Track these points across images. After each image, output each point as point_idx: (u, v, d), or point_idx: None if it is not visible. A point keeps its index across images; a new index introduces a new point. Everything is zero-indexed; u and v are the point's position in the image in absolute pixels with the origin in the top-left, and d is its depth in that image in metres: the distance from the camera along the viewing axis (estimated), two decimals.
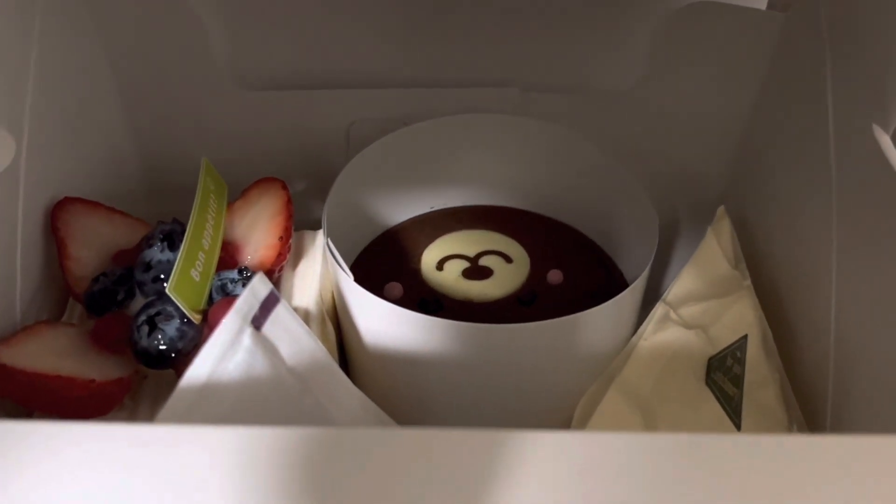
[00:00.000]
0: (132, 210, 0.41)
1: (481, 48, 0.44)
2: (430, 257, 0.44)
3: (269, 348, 0.31)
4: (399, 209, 0.46)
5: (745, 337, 0.37)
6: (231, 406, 0.30)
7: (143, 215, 0.41)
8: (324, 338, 0.38)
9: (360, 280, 0.37)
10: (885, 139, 0.33)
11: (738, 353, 0.36)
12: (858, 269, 0.35)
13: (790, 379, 0.39)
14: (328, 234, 0.38)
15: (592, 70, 0.45)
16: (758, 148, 0.44)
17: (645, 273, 0.37)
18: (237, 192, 0.41)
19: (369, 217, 0.45)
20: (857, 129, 0.34)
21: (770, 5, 0.43)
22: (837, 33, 0.37)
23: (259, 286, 0.31)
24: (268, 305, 0.31)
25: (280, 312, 0.31)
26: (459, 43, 0.44)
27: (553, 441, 0.20)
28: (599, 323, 0.36)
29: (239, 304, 0.30)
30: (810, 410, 0.37)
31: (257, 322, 0.30)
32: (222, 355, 0.29)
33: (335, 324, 0.41)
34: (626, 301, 0.36)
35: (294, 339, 0.32)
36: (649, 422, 0.37)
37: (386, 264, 0.44)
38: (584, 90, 0.45)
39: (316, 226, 0.43)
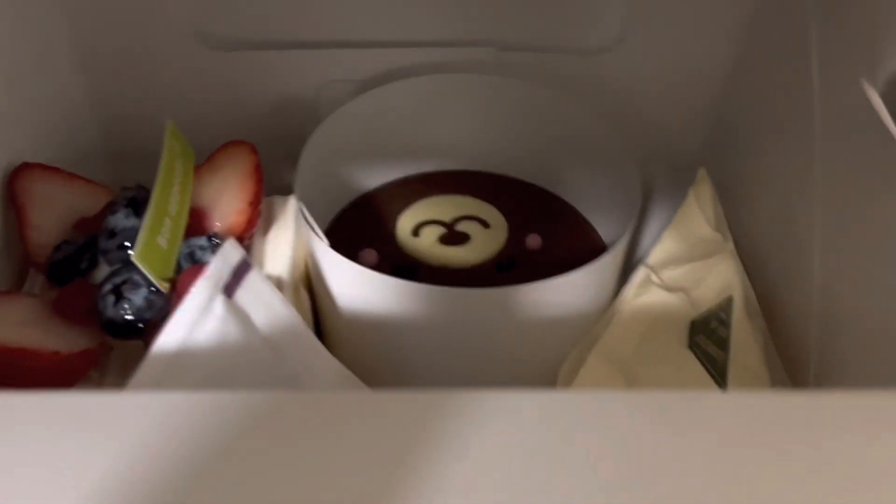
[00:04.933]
0: (93, 176, 0.39)
1: (456, 6, 0.42)
2: (405, 223, 0.43)
3: (241, 316, 0.30)
4: (373, 174, 0.45)
5: (731, 298, 0.36)
6: (203, 375, 0.29)
7: (105, 181, 0.39)
8: (297, 305, 0.36)
9: (334, 246, 0.35)
10: (872, 93, 0.32)
11: (723, 315, 0.36)
12: (842, 227, 0.34)
13: (773, 339, 0.38)
14: (301, 199, 0.37)
15: (570, 28, 0.43)
16: (738, 107, 0.43)
17: (625, 237, 0.36)
18: (203, 158, 0.39)
19: (342, 182, 0.44)
20: (844, 83, 0.33)
21: None
22: None
23: (230, 252, 0.29)
24: (240, 272, 0.30)
25: (252, 279, 0.30)
26: (434, 1, 0.42)
27: (525, 400, 0.20)
28: (579, 287, 0.35)
29: (210, 270, 0.29)
30: (793, 371, 0.37)
31: (229, 289, 0.29)
32: (193, 323, 0.28)
33: (309, 291, 0.39)
34: (606, 265, 0.35)
35: (267, 306, 0.31)
36: (632, 386, 0.36)
37: (360, 230, 0.42)
38: (561, 49, 0.44)
39: (286, 191, 0.42)
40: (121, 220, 0.34)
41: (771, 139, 0.40)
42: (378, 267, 0.40)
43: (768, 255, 0.40)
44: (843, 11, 0.34)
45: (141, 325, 0.33)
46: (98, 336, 0.33)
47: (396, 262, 0.41)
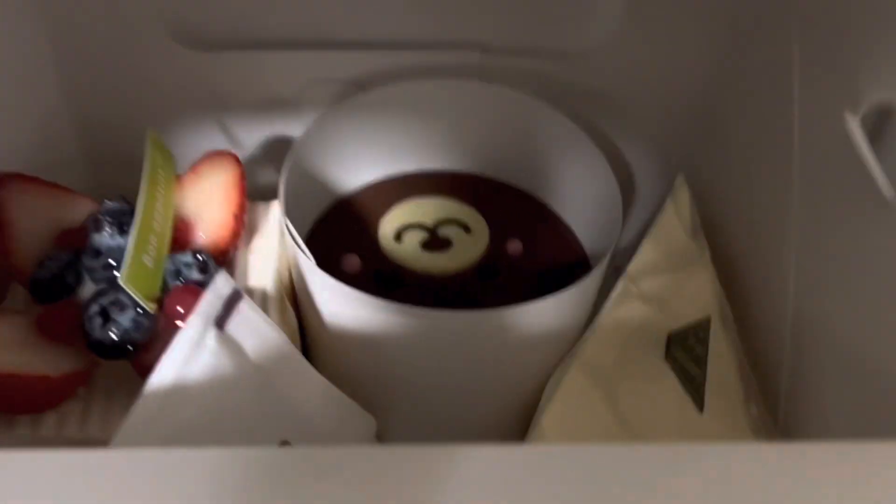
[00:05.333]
0: (72, 182, 0.39)
1: (439, 8, 0.42)
2: (387, 227, 0.43)
3: (233, 347, 0.30)
4: (353, 175, 0.45)
5: (709, 318, 0.37)
6: (197, 409, 0.29)
7: (84, 187, 0.39)
8: (284, 322, 0.37)
9: (316, 252, 0.36)
10: (853, 123, 0.33)
11: (701, 334, 0.37)
12: (817, 240, 0.35)
13: (746, 347, 0.39)
14: (286, 214, 0.37)
15: (553, 31, 0.43)
16: (719, 115, 0.44)
17: (607, 257, 0.37)
18: (183, 161, 0.39)
19: (323, 185, 0.44)
20: (824, 109, 0.34)
21: None
22: (808, 9, 0.36)
23: (222, 285, 0.30)
24: (231, 303, 0.30)
25: (243, 309, 0.30)
26: (418, 2, 0.42)
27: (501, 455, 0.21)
28: (562, 306, 0.36)
29: (202, 306, 0.29)
30: (766, 383, 0.38)
31: (220, 321, 0.30)
32: (186, 359, 0.28)
33: (293, 301, 0.40)
34: (588, 284, 0.36)
35: (257, 333, 0.31)
36: (611, 398, 0.37)
37: (342, 235, 0.43)
38: (544, 52, 0.43)
39: (266, 194, 0.42)
40: (106, 239, 0.34)
41: (750, 150, 0.41)
42: (361, 273, 0.41)
43: (744, 265, 0.41)
44: (827, 37, 0.35)
45: (129, 346, 0.33)
46: (85, 356, 0.33)
47: (379, 268, 0.41)
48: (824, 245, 0.35)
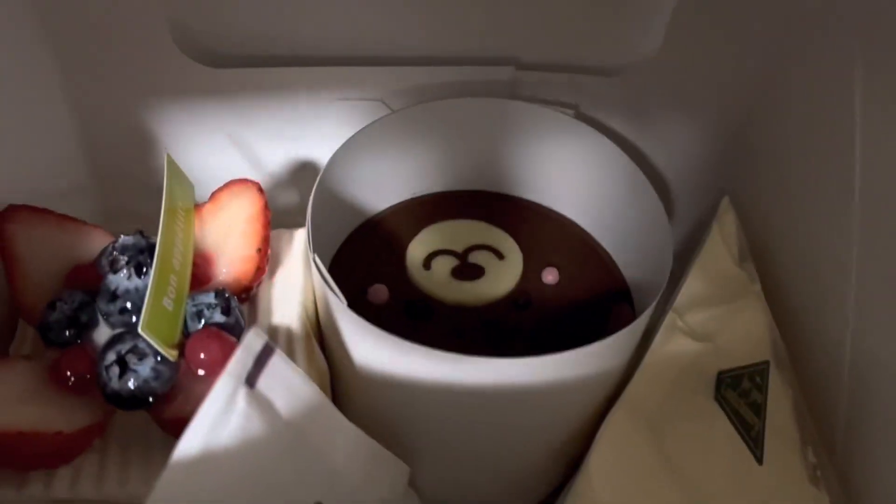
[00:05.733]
0: (83, 210, 0.36)
1: (474, 23, 0.40)
2: (415, 253, 0.40)
3: (264, 405, 0.28)
4: (379, 197, 0.42)
5: (767, 363, 0.35)
6: (227, 475, 0.27)
7: (96, 214, 0.37)
8: (311, 364, 0.34)
9: (342, 280, 0.33)
10: None
11: (758, 379, 0.35)
12: (881, 268, 0.33)
13: (800, 386, 0.37)
14: (313, 240, 0.34)
15: (591, 48, 0.41)
16: (764, 135, 0.41)
17: (657, 297, 0.34)
18: (201, 186, 0.36)
19: (348, 207, 0.41)
20: (891, 127, 0.32)
21: None
22: (869, 23, 0.34)
23: (253, 341, 0.27)
24: (262, 359, 0.28)
25: (275, 364, 0.28)
26: (449, 16, 0.39)
27: None
28: (606, 351, 0.33)
29: (231, 365, 0.27)
30: (822, 427, 0.36)
31: (251, 379, 0.27)
32: (215, 423, 0.26)
33: (318, 336, 0.37)
34: (635, 328, 0.34)
35: (289, 388, 0.29)
36: (658, 441, 0.35)
37: (369, 262, 0.40)
38: (581, 69, 0.41)
39: (287, 217, 0.39)
40: (122, 280, 0.32)
41: (803, 170, 0.39)
42: (389, 304, 0.39)
43: (797, 296, 0.38)
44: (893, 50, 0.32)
45: (149, 397, 0.30)
46: (101, 406, 0.31)
47: (408, 299, 0.39)
48: (889, 274, 0.32)
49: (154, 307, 0.30)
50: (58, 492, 0.30)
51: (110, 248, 0.33)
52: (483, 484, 0.39)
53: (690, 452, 0.34)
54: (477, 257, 0.40)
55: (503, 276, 0.40)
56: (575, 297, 0.39)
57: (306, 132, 0.42)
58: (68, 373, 0.31)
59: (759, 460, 0.33)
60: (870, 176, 0.34)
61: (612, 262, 0.41)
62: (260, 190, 0.35)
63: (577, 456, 0.36)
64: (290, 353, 0.34)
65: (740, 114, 0.42)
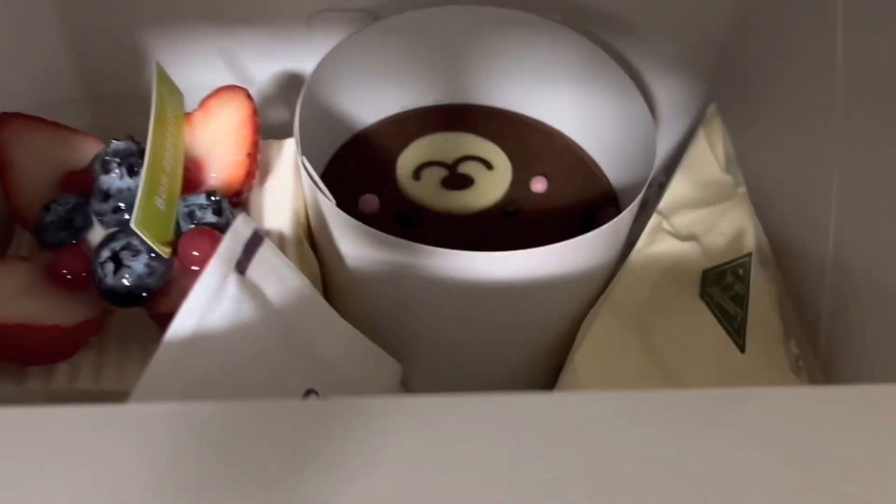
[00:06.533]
0: (74, 123, 0.37)
1: None
2: (405, 165, 0.41)
3: (254, 292, 0.28)
4: (368, 110, 0.43)
5: (750, 255, 0.36)
6: (218, 358, 0.27)
7: (88, 127, 0.37)
8: (303, 265, 0.35)
9: (333, 191, 0.34)
10: None
11: (741, 272, 0.35)
12: (863, 170, 0.33)
13: (785, 286, 0.38)
14: (303, 153, 0.35)
15: None
16: (750, 39, 0.42)
17: (639, 196, 0.35)
18: (191, 97, 0.37)
19: (338, 120, 0.41)
20: (871, 27, 0.32)
21: None
22: None
23: (242, 228, 0.28)
24: (251, 246, 0.28)
25: (264, 252, 0.29)
26: None
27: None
28: (591, 247, 0.34)
29: (221, 249, 0.27)
30: (805, 321, 0.37)
31: (241, 266, 0.28)
32: (206, 307, 0.27)
33: (310, 242, 0.38)
34: (619, 224, 0.34)
35: (279, 277, 0.30)
36: (644, 336, 0.36)
37: (359, 173, 0.41)
38: None
39: (278, 131, 0.40)
40: (115, 180, 0.32)
41: (786, 74, 0.39)
42: (380, 213, 0.39)
43: (781, 198, 0.39)
44: None
45: (144, 294, 0.31)
46: (97, 303, 0.32)
47: (398, 209, 0.39)
48: (870, 174, 0.33)
49: (146, 205, 0.30)
50: (56, 384, 0.30)
51: (103, 153, 0.34)
52: (473, 383, 0.40)
53: (675, 347, 0.35)
54: (466, 168, 0.41)
55: (492, 185, 0.40)
56: (563, 204, 0.40)
57: (294, 46, 0.42)
58: (64, 270, 0.32)
59: (742, 349, 0.34)
60: (851, 81, 0.34)
61: (600, 169, 0.42)
62: (248, 96, 0.36)
63: (566, 354, 0.37)
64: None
65: (727, 24, 0.42)
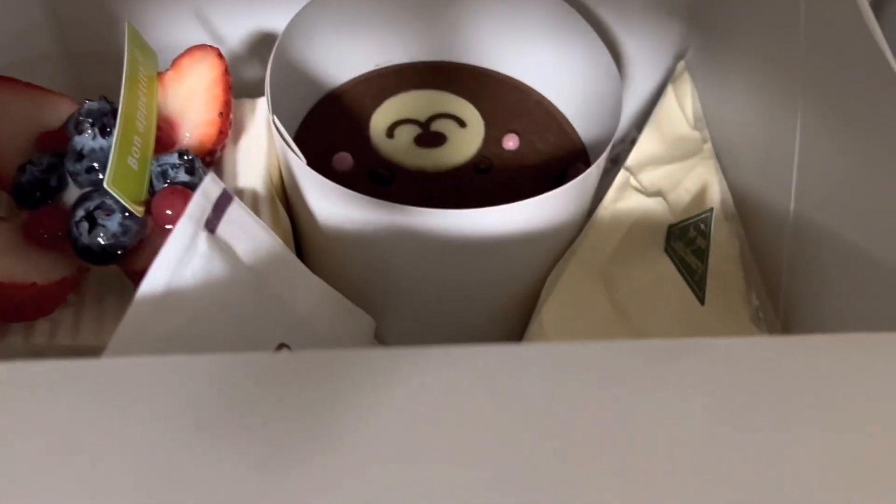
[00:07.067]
0: (48, 81, 0.37)
1: None
2: (379, 123, 0.41)
3: (225, 250, 0.29)
4: (341, 68, 0.43)
5: (711, 210, 0.37)
6: (191, 314, 0.28)
7: (62, 86, 0.37)
8: (276, 223, 0.36)
9: (307, 150, 0.34)
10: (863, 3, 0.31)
11: (703, 226, 0.36)
12: (824, 129, 0.34)
13: (748, 241, 0.39)
14: (274, 111, 0.35)
15: None
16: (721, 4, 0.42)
17: (605, 153, 0.35)
18: (164, 57, 0.37)
19: (310, 79, 0.42)
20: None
21: None
22: None
23: (211, 187, 0.28)
24: (221, 205, 0.29)
25: (234, 211, 0.29)
26: None
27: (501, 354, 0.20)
28: (559, 203, 0.35)
29: (191, 208, 0.28)
30: (767, 275, 0.38)
31: (211, 224, 0.29)
32: (177, 264, 0.27)
33: (283, 201, 0.39)
34: (586, 180, 0.35)
35: (249, 235, 0.30)
36: (610, 290, 0.37)
37: (332, 131, 0.41)
38: None
39: (251, 90, 0.40)
40: (87, 140, 0.33)
41: (754, 30, 0.39)
42: (353, 171, 0.40)
43: (746, 155, 0.40)
44: None
45: (118, 251, 0.32)
46: (74, 261, 0.33)
47: (372, 166, 0.40)
48: (830, 134, 0.34)
49: (119, 164, 0.31)
50: (36, 340, 0.31)
51: (76, 113, 0.34)
52: (445, 336, 0.41)
53: (638, 300, 0.36)
54: (439, 125, 0.41)
55: (465, 142, 0.41)
56: (535, 161, 0.41)
57: (270, 4, 0.42)
58: (41, 230, 0.32)
59: (702, 301, 0.35)
60: (813, 39, 0.34)
61: (571, 126, 0.42)
62: (220, 55, 0.36)
63: (535, 307, 0.38)
64: (255, 214, 0.35)
65: None
